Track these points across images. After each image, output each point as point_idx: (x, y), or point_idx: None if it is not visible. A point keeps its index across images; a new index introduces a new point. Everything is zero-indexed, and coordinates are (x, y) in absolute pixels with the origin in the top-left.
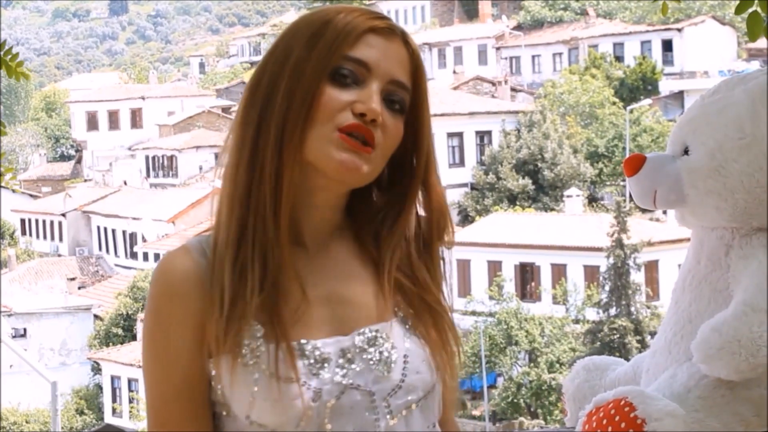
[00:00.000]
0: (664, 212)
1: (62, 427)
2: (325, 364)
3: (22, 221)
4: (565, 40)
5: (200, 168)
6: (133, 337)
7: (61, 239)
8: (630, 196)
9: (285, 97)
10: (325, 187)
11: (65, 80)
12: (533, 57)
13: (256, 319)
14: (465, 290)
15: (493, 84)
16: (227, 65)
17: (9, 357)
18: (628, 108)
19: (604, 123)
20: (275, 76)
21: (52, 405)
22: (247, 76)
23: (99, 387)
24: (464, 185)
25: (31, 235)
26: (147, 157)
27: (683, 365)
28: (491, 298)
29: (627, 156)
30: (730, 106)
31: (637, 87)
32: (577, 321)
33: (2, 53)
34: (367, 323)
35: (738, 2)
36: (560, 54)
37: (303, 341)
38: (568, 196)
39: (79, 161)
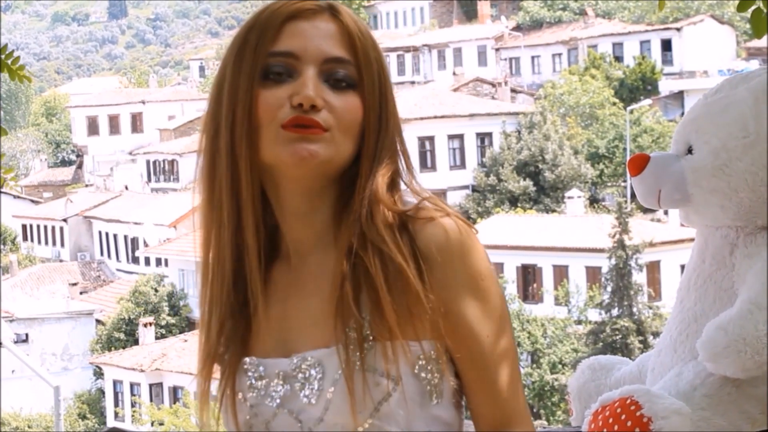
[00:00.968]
0: (666, 212)
1: None
2: (266, 384)
3: (24, 227)
4: (565, 41)
5: None
6: (135, 342)
7: (62, 244)
8: (633, 196)
9: (229, 110)
10: (292, 189)
11: (65, 85)
12: (533, 58)
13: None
14: None
15: (493, 85)
16: None
17: (11, 362)
18: (629, 108)
19: (605, 124)
20: (220, 89)
21: (55, 409)
22: None
23: (101, 391)
24: (465, 187)
25: (32, 240)
26: (148, 162)
27: (689, 364)
28: None
29: (628, 156)
30: (733, 104)
31: (636, 87)
32: (579, 322)
33: (3, 56)
34: (310, 347)
35: (739, 1)
36: (560, 54)
37: (249, 359)
38: (569, 198)
39: (80, 166)
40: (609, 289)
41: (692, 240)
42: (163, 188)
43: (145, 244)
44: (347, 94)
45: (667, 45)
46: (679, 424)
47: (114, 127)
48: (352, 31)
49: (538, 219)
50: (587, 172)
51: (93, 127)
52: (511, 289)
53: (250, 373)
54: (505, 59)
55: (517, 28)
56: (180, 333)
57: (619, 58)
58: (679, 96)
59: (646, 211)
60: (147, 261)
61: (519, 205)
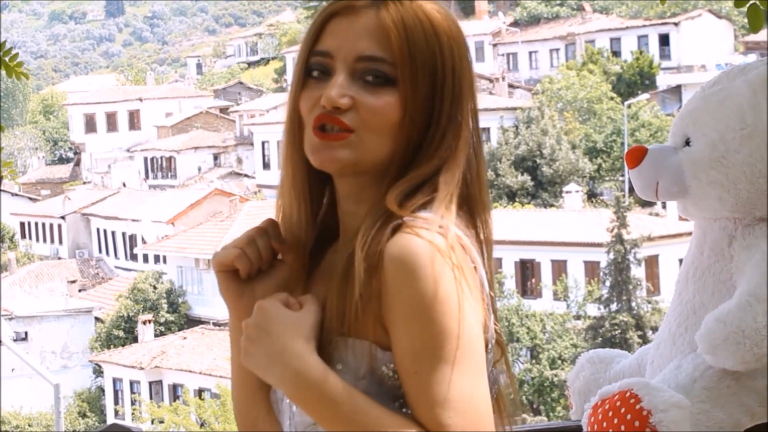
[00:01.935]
0: (664, 207)
1: (65, 430)
2: None
3: (22, 224)
4: (562, 36)
5: (199, 169)
6: (134, 339)
7: (60, 242)
8: (631, 190)
9: (287, 106)
10: (336, 180)
11: (62, 83)
12: (530, 53)
13: None
14: None
15: (491, 81)
16: (224, 66)
17: (11, 360)
18: (626, 103)
19: (602, 118)
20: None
21: (55, 408)
22: (244, 77)
23: (101, 389)
24: None
25: (30, 238)
26: (145, 159)
27: (688, 356)
28: None
29: (626, 151)
30: (730, 96)
31: (634, 82)
32: (578, 317)
33: (1, 53)
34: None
35: None
36: (557, 50)
37: None
38: (567, 192)
39: (77, 164)
40: (608, 283)
41: (691, 234)
42: (161, 185)
43: (143, 241)
44: (382, 92)
45: (664, 39)
46: (679, 416)
47: (111, 125)
48: (388, 26)
49: (536, 214)
50: (585, 167)
51: (90, 125)
52: (510, 284)
53: None
54: (503, 55)
55: (515, 23)
56: (179, 330)
57: (616, 53)
58: (676, 90)
59: (644, 205)
60: (145, 258)
61: (517, 200)
